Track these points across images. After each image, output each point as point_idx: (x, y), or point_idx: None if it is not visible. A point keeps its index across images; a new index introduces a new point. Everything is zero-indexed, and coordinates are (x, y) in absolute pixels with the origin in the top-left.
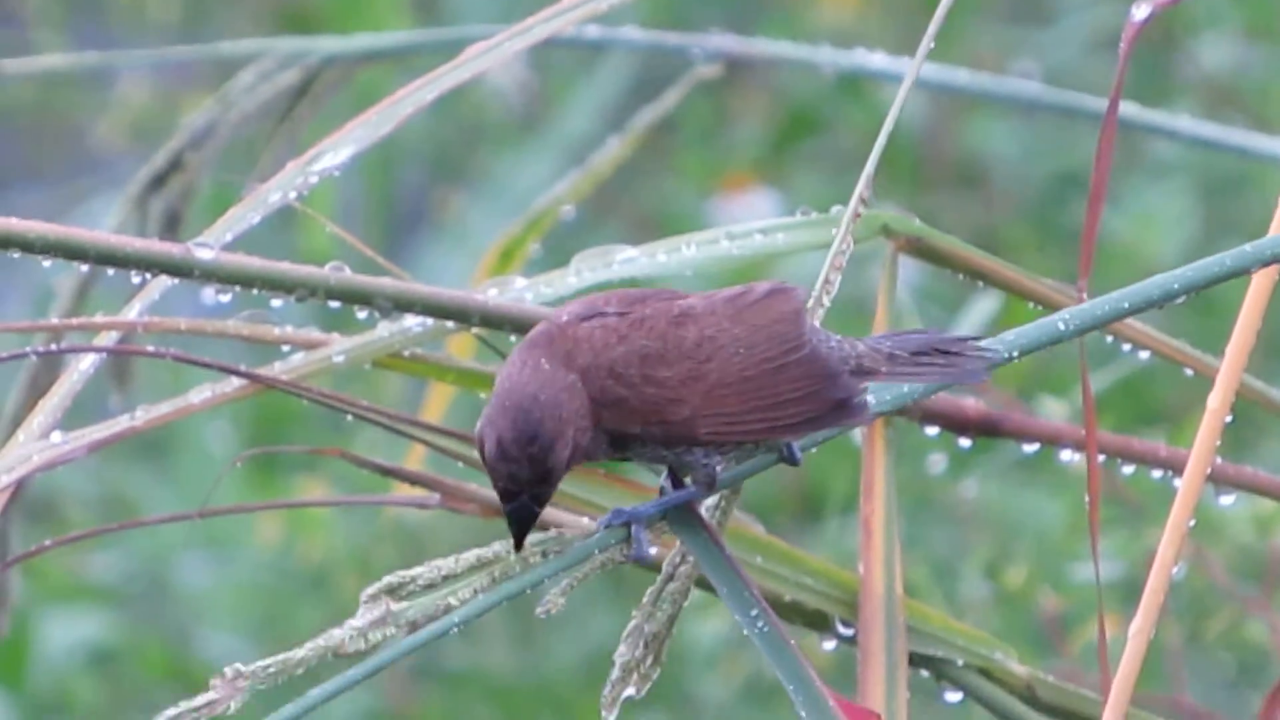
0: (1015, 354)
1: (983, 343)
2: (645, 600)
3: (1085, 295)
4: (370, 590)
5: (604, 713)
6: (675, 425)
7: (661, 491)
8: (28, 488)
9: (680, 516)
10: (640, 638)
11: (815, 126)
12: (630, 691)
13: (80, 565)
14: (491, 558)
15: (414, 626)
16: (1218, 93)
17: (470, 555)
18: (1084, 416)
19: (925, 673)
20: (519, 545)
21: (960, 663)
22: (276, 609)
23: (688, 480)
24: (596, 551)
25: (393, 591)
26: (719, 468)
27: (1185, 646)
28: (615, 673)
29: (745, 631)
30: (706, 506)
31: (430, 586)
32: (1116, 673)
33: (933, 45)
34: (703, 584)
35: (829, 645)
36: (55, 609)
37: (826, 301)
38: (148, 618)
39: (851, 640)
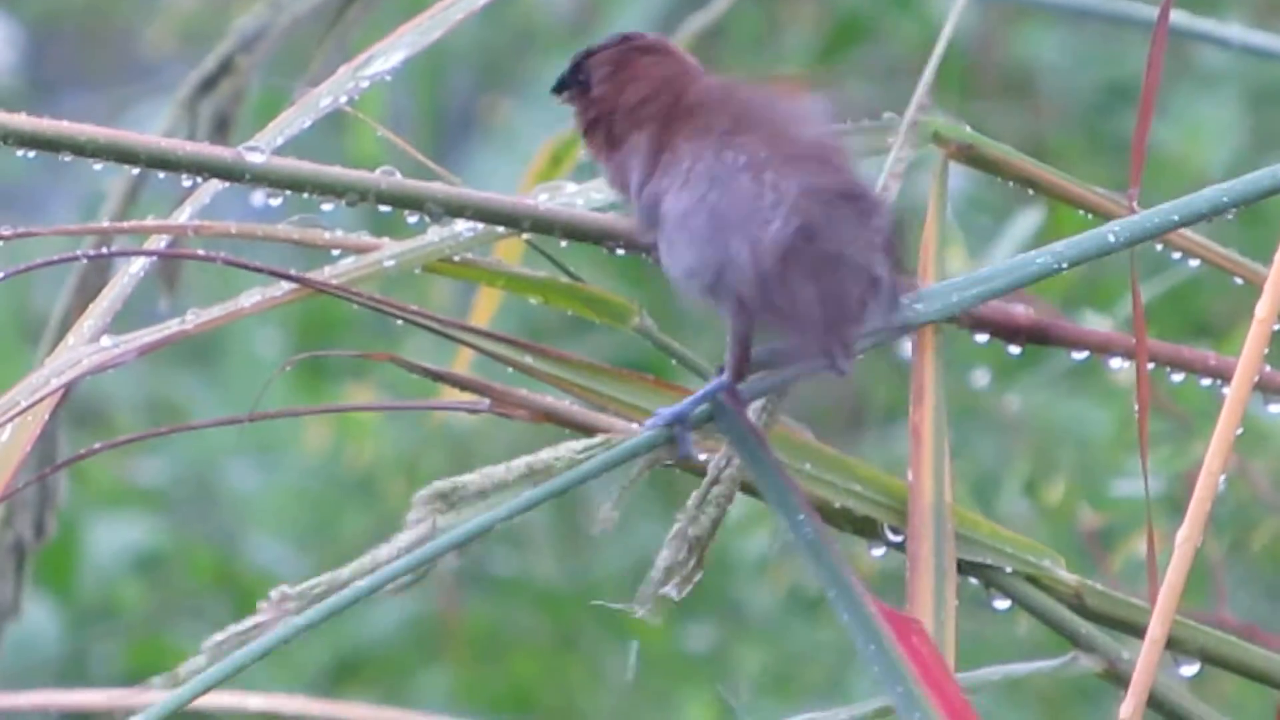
0: (1064, 265)
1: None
2: (690, 503)
3: (1136, 205)
4: (420, 494)
5: (638, 609)
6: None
7: None
8: (76, 392)
9: (727, 420)
10: (684, 540)
11: (864, 35)
12: (670, 592)
13: (128, 469)
14: (543, 466)
15: (461, 546)
16: (1268, 2)
17: (521, 463)
18: (1133, 326)
19: (974, 580)
20: None
21: (1009, 570)
22: (324, 514)
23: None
24: (643, 453)
25: (443, 498)
26: (751, 346)
27: (1228, 559)
28: (656, 573)
29: (790, 536)
30: (753, 409)
31: (481, 494)
32: (1162, 583)
33: None
34: (748, 489)
35: (878, 552)
36: (103, 513)
37: None
38: (195, 523)
39: (900, 547)
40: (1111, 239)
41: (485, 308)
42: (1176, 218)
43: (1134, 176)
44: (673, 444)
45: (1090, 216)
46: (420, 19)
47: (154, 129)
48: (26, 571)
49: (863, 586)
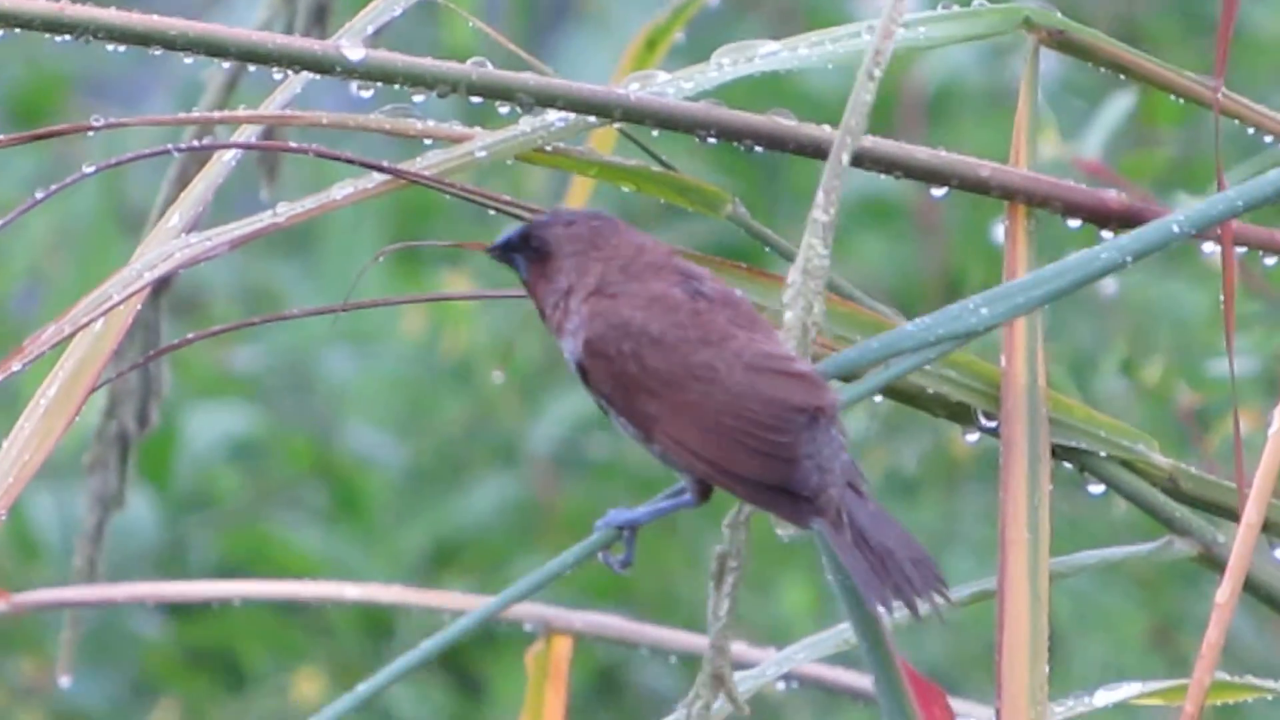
0: (1129, 258)
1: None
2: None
3: (1221, 94)
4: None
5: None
6: (635, 415)
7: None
8: (172, 281)
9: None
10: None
11: None
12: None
13: (224, 358)
14: None
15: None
16: None
17: None
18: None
19: (1068, 465)
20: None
21: (1103, 454)
22: (420, 401)
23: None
24: (599, 555)
25: None
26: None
27: None
28: (714, 565)
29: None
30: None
31: None
32: (1257, 467)
33: None
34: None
35: (972, 438)
36: (199, 403)
37: (868, 96)
38: (292, 411)
39: (994, 432)
40: (1176, 229)
41: (578, 196)
42: (1241, 203)
43: (1219, 66)
44: (623, 544)
45: (1182, 101)
46: None
47: (251, 20)
48: (131, 462)
49: (894, 645)
